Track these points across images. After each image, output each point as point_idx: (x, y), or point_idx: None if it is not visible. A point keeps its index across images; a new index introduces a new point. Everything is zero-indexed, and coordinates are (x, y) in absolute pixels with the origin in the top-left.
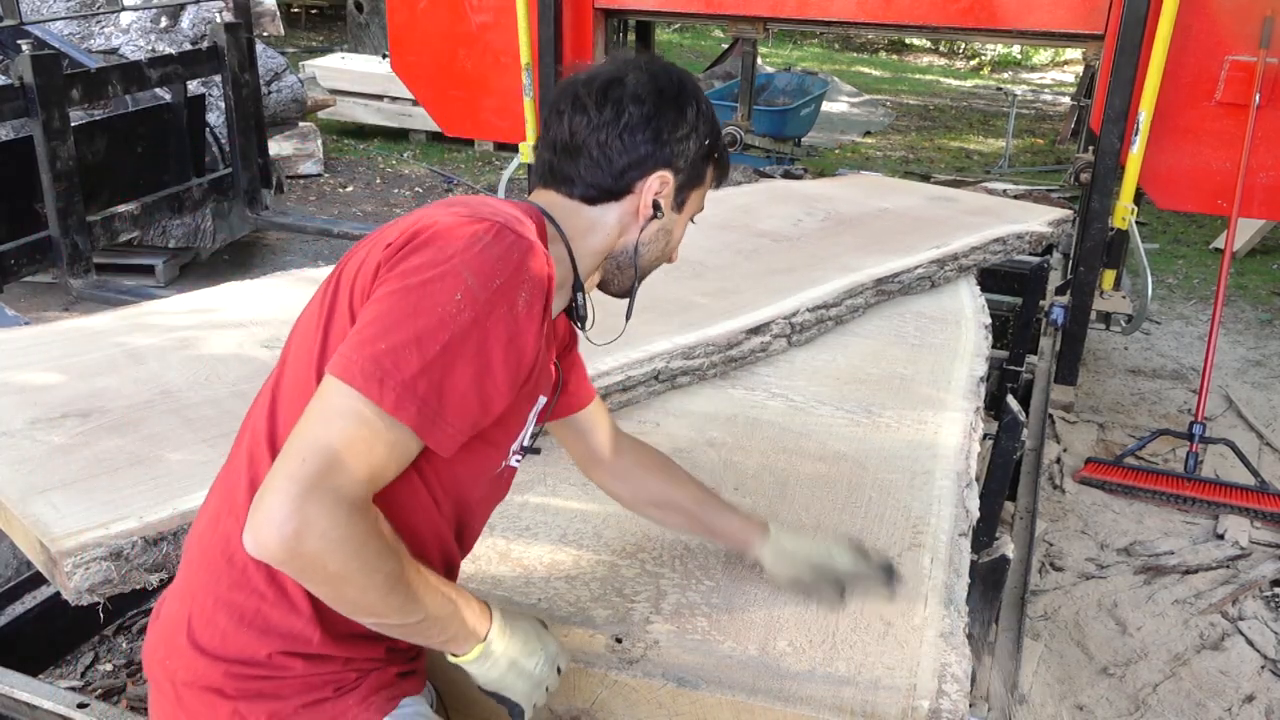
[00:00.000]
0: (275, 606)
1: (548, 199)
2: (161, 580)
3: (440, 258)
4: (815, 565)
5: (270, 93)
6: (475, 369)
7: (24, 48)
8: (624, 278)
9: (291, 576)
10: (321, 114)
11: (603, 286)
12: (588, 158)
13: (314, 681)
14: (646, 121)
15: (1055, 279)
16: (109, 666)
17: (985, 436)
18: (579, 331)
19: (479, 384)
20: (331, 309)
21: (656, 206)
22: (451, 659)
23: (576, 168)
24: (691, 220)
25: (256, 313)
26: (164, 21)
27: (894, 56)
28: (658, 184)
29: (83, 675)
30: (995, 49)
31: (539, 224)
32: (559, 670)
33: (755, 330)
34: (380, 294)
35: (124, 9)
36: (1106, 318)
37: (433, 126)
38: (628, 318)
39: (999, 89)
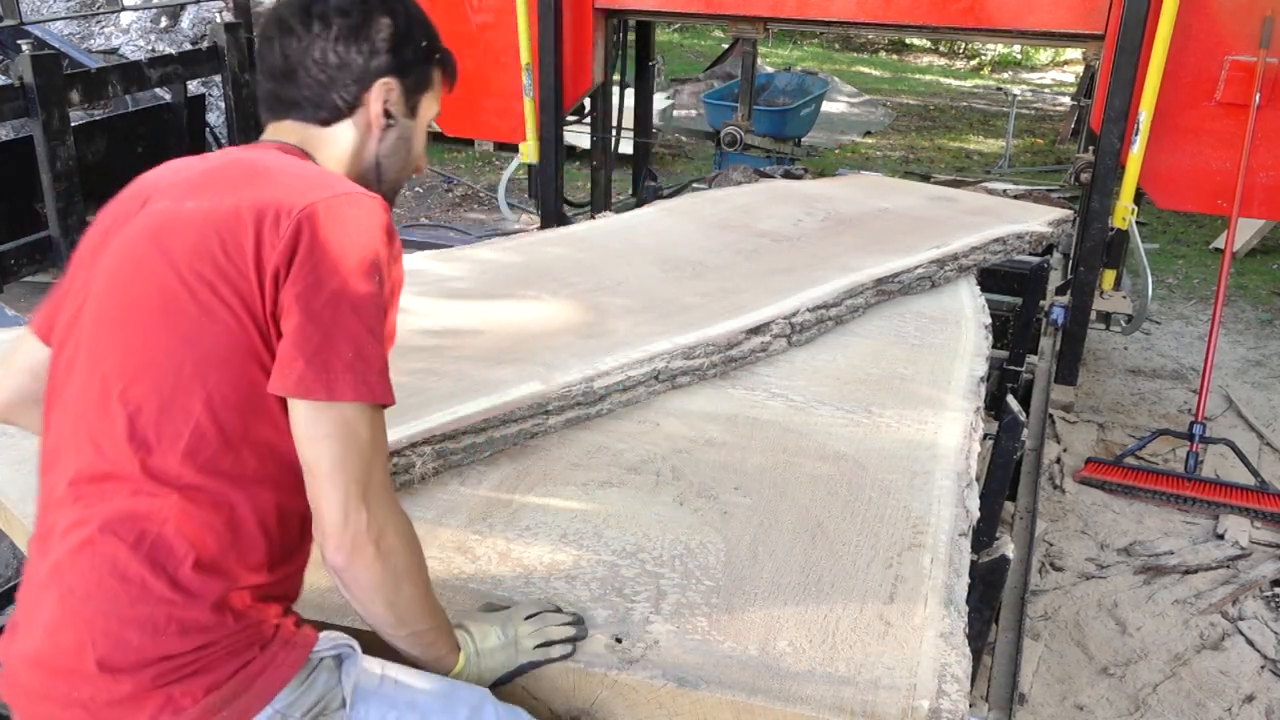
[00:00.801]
0: (186, 607)
1: (289, 132)
2: None
3: (341, 250)
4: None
5: None
6: (391, 317)
7: (24, 48)
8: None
9: (371, 583)
10: None
11: None
12: (307, 78)
13: (238, 646)
14: (355, 31)
15: (1055, 279)
16: None
17: (985, 436)
18: None
19: (391, 326)
20: (206, 306)
21: (389, 114)
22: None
23: (299, 91)
24: (430, 126)
25: None
26: (164, 21)
27: (894, 56)
28: (384, 91)
29: None
30: (995, 49)
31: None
32: (529, 616)
33: (755, 330)
34: (312, 305)
35: (124, 9)
36: (1106, 318)
37: (433, 126)
38: None
39: (999, 89)
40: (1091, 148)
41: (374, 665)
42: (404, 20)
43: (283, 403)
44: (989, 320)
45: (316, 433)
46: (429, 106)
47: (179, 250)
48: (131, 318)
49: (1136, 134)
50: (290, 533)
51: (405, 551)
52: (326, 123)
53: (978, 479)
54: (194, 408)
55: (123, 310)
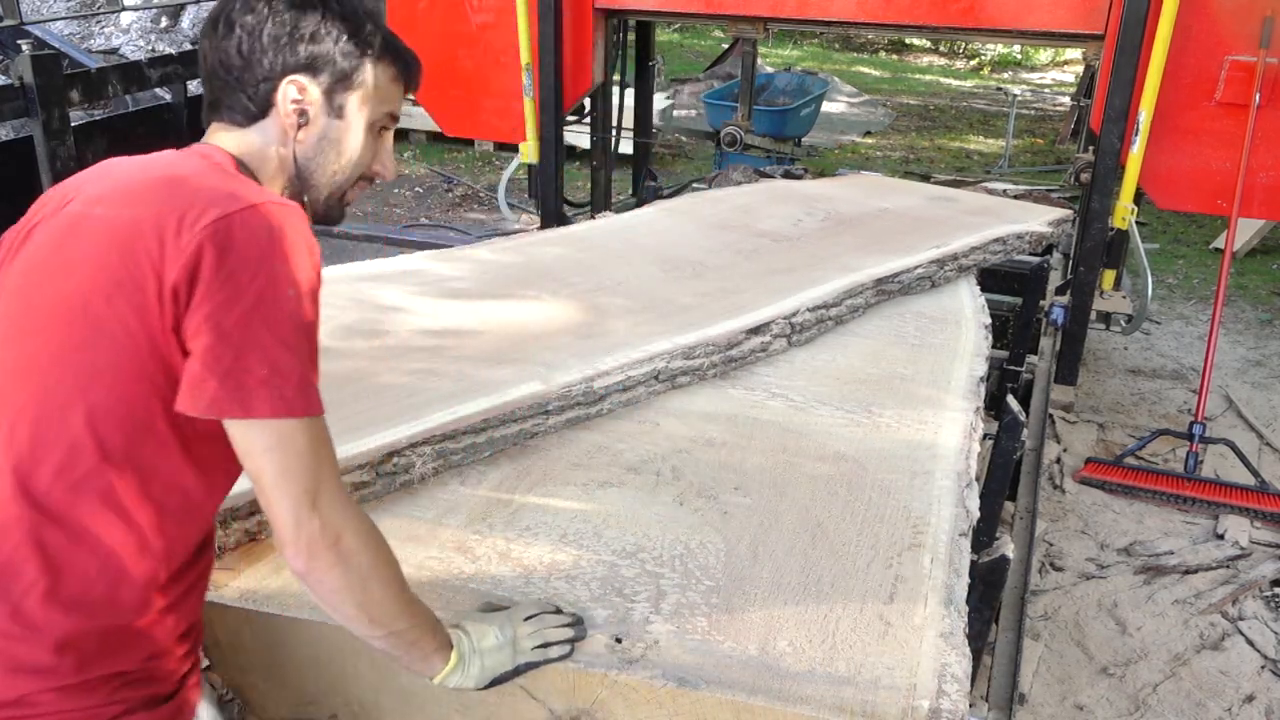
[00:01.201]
0: (21, 641)
1: (221, 133)
2: None
3: (253, 264)
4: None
5: None
6: (315, 326)
7: (24, 48)
8: (315, 202)
9: (336, 585)
10: None
11: (319, 220)
12: (219, 79)
13: (76, 715)
14: (259, 30)
15: (1055, 279)
16: None
17: (985, 436)
18: None
19: (318, 334)
20: (98, 318)
21: (303, 113)
22: (434, 682)
23: (214, 91)
24: (385, 129)
25: None
26: (164, 21)
27: (894, 56)
28: (294, 90)
29: None
30: (995, 49)
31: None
32: (528, 617)
33: (755, 330)
34: (223, 324)
35: (124, 9)
36: (1106, 318)
37: (433, 126)
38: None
39: (999, 89)
40: (1091, 148)
41: None
42: (318, 14)
43: (172, 423)
44: (989, 320)
45: (254, 448)
46: (367, 106)
47: (79, 258)
48: (29, 324)
49: (1136, 134)
50: (174, 561)
51: (366, 552)
52: (243, 124)
53: (978, 479)
54: (73, 421)
55: (22, 315)
